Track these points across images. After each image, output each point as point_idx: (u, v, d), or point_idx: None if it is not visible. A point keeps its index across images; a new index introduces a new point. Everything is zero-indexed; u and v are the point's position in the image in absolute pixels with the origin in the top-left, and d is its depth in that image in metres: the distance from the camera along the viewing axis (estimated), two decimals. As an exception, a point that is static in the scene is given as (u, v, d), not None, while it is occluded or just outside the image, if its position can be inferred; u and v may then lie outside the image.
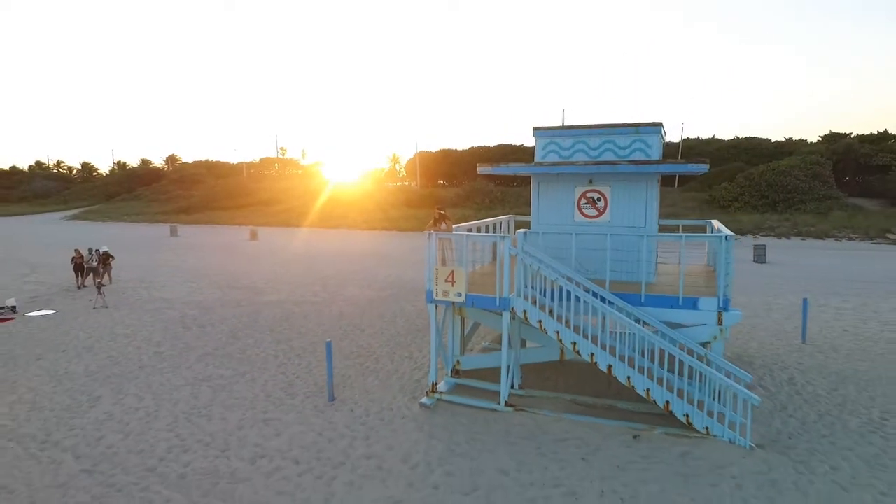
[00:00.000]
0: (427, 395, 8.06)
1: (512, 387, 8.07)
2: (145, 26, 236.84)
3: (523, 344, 8.60)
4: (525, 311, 7.33)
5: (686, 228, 11.08)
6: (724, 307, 7.19)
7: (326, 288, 17.18)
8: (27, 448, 6.75)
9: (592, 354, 7.03)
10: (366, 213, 46.01)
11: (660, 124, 8.58)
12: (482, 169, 9.52)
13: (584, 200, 8.71)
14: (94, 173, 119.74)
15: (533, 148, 9.45)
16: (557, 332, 7.17)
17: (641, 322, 7.30)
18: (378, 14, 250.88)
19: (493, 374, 8.18)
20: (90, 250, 17.78)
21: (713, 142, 68.32)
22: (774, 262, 22.28)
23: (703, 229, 11.27)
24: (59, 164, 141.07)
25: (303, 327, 12.41)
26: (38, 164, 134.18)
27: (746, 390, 6.49)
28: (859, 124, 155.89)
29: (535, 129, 9.30)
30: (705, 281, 8.91)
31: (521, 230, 7.80)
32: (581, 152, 8.79)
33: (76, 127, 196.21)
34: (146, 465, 6.31)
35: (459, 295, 7.60)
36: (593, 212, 8.68)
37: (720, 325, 7.18)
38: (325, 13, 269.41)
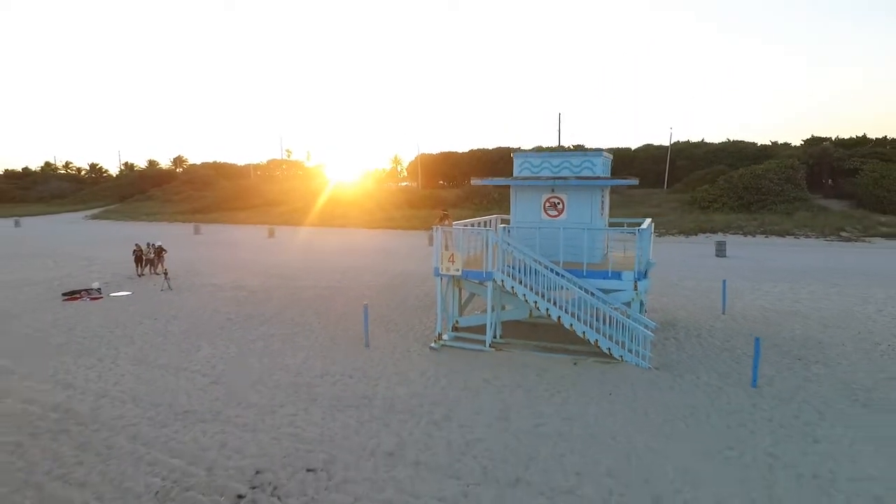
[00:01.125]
0: (434, 342, 11.34)
1: (494, 337, 11.36)
2: (152, 29, 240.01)
3: (503, 308, 11.89)
4: (502, 281, 10.62)
5: (630, 225, 14.28)
6: (638, 278, 10.47)
7: (346, 277, 20.44)
8: (168, 372, 10.03)
9: (548, 309, 10.31)
10: (369, 212, 49.23)
11: (601, 150, 11.85)
12: (475, 181, 12.84)
13: (548, 204, 11.98)
14: (104, 174, 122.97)
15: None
16: (524, 295, 10.45)
17: (584, 289, 10.57)
18: (381, 20, 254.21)
19: (482, 330, 11.44)
20: (147, 244, 21.05)
21: (702, 145, 71.59)
22: (733, 256, 25.55)
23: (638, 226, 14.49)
24: (67, 164, 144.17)
25: (334, 303, 15.67)
26: (48, 164, 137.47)
27: (646, 330, 9.78)
28: (853, 127, 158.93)
29: (514, 151, 12.59)
30: (632, 262, 12.16)
31: (503, 225, 11.08)
32: (546, 169, 12.05)
33: (81, 128, 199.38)
34: (250, 379, 9.58)
35: (458, 270, 10.89)
36: (554, 213, 11.94)
37: (636, 290, 10.46)
38: (330, 18, 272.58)
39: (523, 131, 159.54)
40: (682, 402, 8.32)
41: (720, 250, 25.99)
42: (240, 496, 6.01)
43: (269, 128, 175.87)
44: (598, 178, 11.55)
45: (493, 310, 11.07)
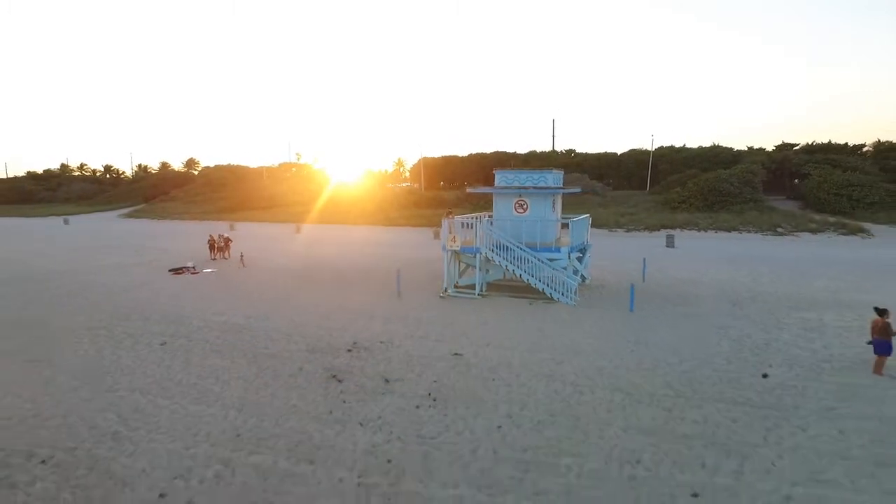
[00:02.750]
0: (442, 293, 17.49)
1: (481, 290, 17.51)
2: (165, 34, 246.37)
3: (487, 272, 18.05)
4: (486, 253, 16.77)
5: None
6: (570, 251, 16.62)
7: (371, 260, 26.55)
8: (282, 309, 16.15)
9: (514, 271, 16.46)
10: (378, 211, 55.32)
11: (552, 169, 17.98)
12: (469, 189, 18.99)
13: (516, 204, 18.09)
14: (121, 175, 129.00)
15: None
16: (500, 262, 16.59)
17: (537, 258, 16.68)
18: (386, 31, 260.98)
19: (473, 288, 17.56)
20: (218, 235, 27.16)
21: (682, 150, 77.88)
22: (679, 247, 31.66)
23: (586, 223, 20.59)
24: (82, 166, 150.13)
25: (369, 276, 21.79)
26: (64, 166, 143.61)
27: (572, 282, 15.93)
28: (834, 132, 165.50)
29: (496, 171, 18.69)
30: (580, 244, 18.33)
31: (487, 218, 17.21)
32: (516, 181, 18.16)
33: (92, 130, 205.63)
34: (334, 307, 15.69)
35: (458, 246, 17.04)
36: (521, 210, 18.05)
37: (569, 258, 16.61)
38: (339, 27, 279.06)
39: (521, 135, 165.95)
40: (585, 317, 14.48)
41: (669, 242, 32.14)
42: (348, 350, 12.11)
43: (276, 132, 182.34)
44: (549, 187, 17.69)
45: (480, 272, 17.23)
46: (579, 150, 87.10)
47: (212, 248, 26.54)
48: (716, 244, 32.96)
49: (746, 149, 79.13)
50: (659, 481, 6.67)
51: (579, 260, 17.99)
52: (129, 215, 67.75)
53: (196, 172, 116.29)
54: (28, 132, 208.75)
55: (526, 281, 16.45)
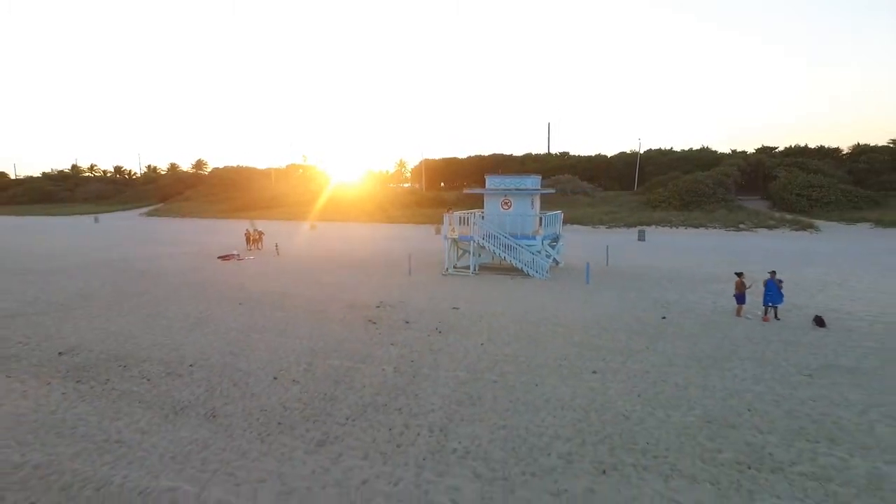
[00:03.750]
0: (443, 273, 22.22)
1: (475, 270, 22.23)
2: (170, 37, 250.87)
3: (479, 255, 22.78)
4: (478, 241, 21.49)
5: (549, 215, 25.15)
6: (543, 239, 21.37)
7: (382, 250, 31.22)
8: (316, 286, 20.86)
9: (500, 254, 21.18)
10: (382, 209, 59.98)
11: (531, 174, 22.68)
12: (466, 191, 23.72)
13: (503, 202, 22.78)
14: (131, 176, 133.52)
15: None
16: (489, 248, 21.31)
17: (518, 245, 21.38)
18: (389, 38, 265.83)
19: (468, 268, 22.26)
20: (253, 229, 31.82)
21: (668, 153, 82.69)
22: (650, 241, 36.35)
23: (557, 217, 25.33)
24: (92, 167, 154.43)
25: (383, 261, 26.46)
26: (75, 167, 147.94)
27: (544, 262, 20.66)
28: (817, 134, 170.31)
29: (486, 175, 23.39)
30: (553, 234, 23.08)
31: (480, 214, 21.94)
32: (502, 184, 22.87)
33: (98, 131, 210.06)
34: (358, 283, 20.38)
35: (456, 235, 21.77)
36: (506, 207, 22.74)
37: (542, 245, 21.35)
38: (345, 32, 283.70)
39: (518, 138, 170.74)
40: (552, 287, 19.18)
41: (641, 237, 36.85)
42: (377, 306, 16.81)
43: (282, 134, 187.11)
44: (528, 189, 22.41)
45: (473, 255, 21.95)
46: (573, 152, 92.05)
47: (248, 240, 31.20)
48: (682, 239, 37.68)
49: (730, 151, 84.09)
50: (575, 367, 11.34)
51: (552, 247, 22.71)
52: (150, 214, 72.31)
53: (205, 173, 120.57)
54: (37, 133, 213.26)
55: (509, 262, 21.17)
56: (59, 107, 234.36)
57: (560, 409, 9.06)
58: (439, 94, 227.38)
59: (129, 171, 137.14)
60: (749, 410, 8.95)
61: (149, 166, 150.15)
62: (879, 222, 39.14)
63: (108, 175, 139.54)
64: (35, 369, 11.55)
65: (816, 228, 39.31)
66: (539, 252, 21.31)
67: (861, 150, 68.73)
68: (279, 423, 8.75)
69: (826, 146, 75.32)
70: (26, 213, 79.00)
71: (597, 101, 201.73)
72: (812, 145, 76.02)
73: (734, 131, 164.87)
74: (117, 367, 11.63)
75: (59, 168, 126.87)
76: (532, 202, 22.94)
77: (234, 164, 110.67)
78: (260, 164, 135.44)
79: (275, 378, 11.12)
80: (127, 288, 20.16)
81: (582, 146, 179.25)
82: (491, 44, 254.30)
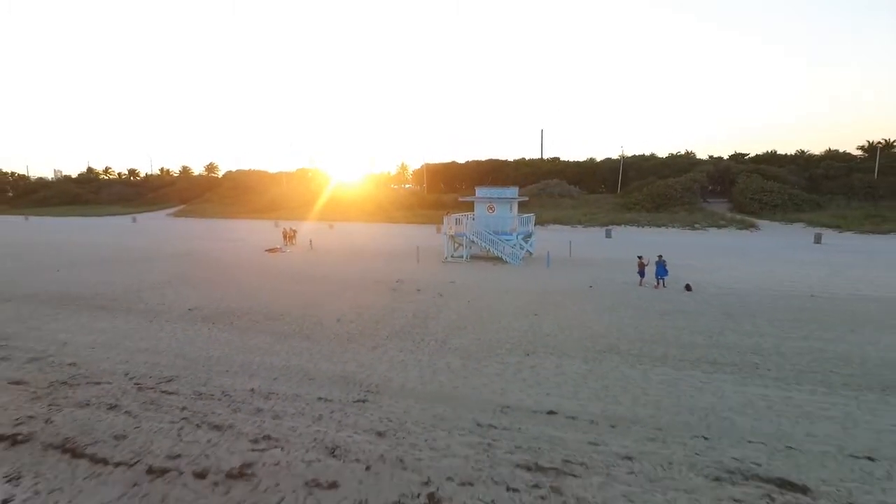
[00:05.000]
0: (443, 261, 29.44)
1: (467, 258, 29.45)
2: (180, 42, 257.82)
3: (470, 248, 30.00)
4: (469, 237, 28.72)
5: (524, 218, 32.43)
6: (518, 235, 28.63)
7: (393, 245, 38.38)
8: (349, 269, 28.08)
9: (486, 246, 28.41)
10: (389, 212, 67.13)
11: (510, 187, 29.89)
12: (461, 199, 30.98)
13: (488, 207, 29.98)
14: (144, 177, 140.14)
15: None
16: (479, 242, 28.52)
17: (499, 240, 28.56)
18: (394, 51, 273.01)
19: (462, 257, 29.44)
20: (289, 228, 38.96)
21: (650, 158, 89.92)
22: (615, 238, 43.52)
23: (530, 219, 32.56)
24: (107, 170, 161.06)
25: (396, 253, 33.61)
26: (90, 170, 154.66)
27: (518, 253, 27.89)
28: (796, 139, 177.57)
29: (476, 187, 30.61)
30: (517, 229, 30.36)
31: (471, 216, 29.18)
32: (488, 194, 30.09)
33: (110, 134, 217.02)
34: (376, 272, 27.56)
35: (453, 232, 29.01)
36: (491, 211, 29.94)
37: (516, 239, 28.59)
38: (353, 42, 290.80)
39: (514, 142, 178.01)
40: (522, 270, 26.37)
41: (608, 234, 44.01)
42: (397, 281, 23.97)
43: (290, 137, 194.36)
44: (507, 198, 29.59)
45: (466, 247, 29.18)
46: (565, 157, 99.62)
47: (285, 237, 38.36)
48: (643, 236, 44.87)
49: (708, 157, 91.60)
50: (524, 312, 18.45)
51: (525, 241, 29.86)
52: (177, 215, 79.40)
53: (217, 176, 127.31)
54: (47, 134, 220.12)
55: (493, 252, 28.34)
56: (70, 109, 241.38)
57: (510, 332, 16.22)
58: (440, 101, 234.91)
59: (143, 173, 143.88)
60: (618, 331, 16.07)
61: (162, 169, 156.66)
62: (811, 222, 46.34)
63: (122, 177, 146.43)
64: (179, 318, 18.61)
65: (757, 227, 46.50)
66: (514, 245, 28.49)
67: (822, 158, 76.28)
68: (349, 341, 15.85)
69: (796, 152, 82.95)
70: (65, 213, 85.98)
71: (590, 108, 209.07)
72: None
73: (734, 132, 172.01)
74: (232, 316, 18.64)
75: (70, 169, 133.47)
76: (511, 207, 30.12)
77: (245, 168, 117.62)
78: (265, 165, 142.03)
79: (338, 320, 18.20)
80: (210, 271, 27.33)
81: (576, 150, 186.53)
82: (490, 54, 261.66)
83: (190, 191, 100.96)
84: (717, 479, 7.25)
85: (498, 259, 28.70)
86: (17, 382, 11.54)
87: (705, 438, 8.51)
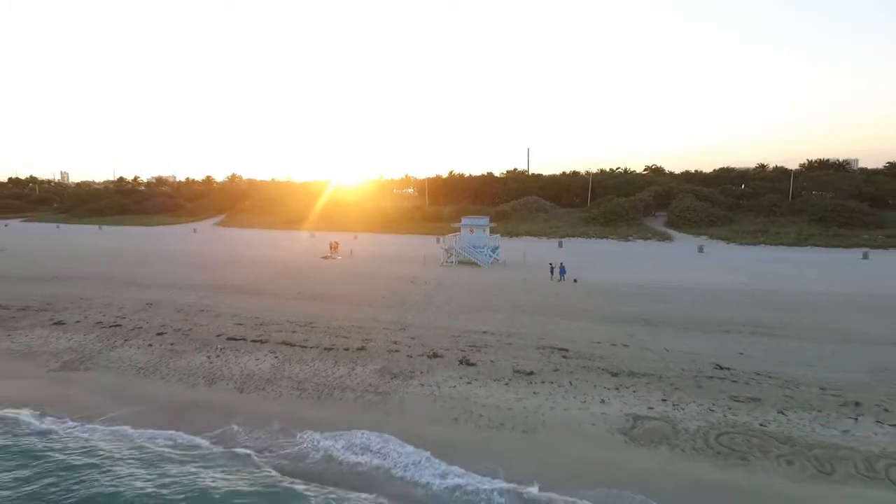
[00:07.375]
0: (441, 265, 46.22)
1: (455, 263, 46.27)
2: (197, 53, 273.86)
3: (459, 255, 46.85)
4: (457, 249, 45.53)
5: (493, 236, 49.35)
6: (488, 248, 45.49)
7: (405, 253, 55.02)
8: (382, 277, 44.91)
9: (468, 255, 45.22)
10: (398, 224, 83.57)
11: (483, 216, 46.71)
12: (454, 224, 47.91)
13: (468, 230, 46.74)
14: (176, 187, 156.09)
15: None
16: (463, 253, 45.33)
17: (476, 251, 45.29)
18: (403, 73, 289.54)
19: (452, 263, 46.17)
20: (333, 241, 55.57)
21: (615, 175, 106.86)
22: (565, 248, 60.00)
23: (497, 237, 49.40)
24: (136, 179, 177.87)
25: (407, 259, 50.23)
26: (121, 179, 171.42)
27: (489, 259, 44.78)
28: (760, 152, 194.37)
29: (462, 217, 47.43)
30: (487, 244, 47.29)
31: (457, 236, 46.02)
32: (470, 221, 46.88)
33: (133, 145, 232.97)
34: (400, 273, 44.30)
35: (447, 246, 45.86)
36: (471, 233, 46.68)
37: (487, 251, 45.45)
38: (365, 61, 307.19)
39: (507, 156, 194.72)
40: (490, 271, 43.02)
41: (560, 245, 60.57)
42: (413, 276, 40.66)
43: (305, 149, 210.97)
44: (482, 224, 46.39)
45: (455, 256, 45.97)
46: (549, 170, 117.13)
47: (331, 247, 54.98)
48: (586, 246, 61.43)
49: (669, 173, 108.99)
50: (484, 293, 35.11)
51: (494, 251, 46.52)
52: (221, 224, 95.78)
53: (241, 186, 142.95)
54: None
55: (473, 259, 45.08)
56: (103, 119, 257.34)
57: (474, 301, 32.85)
58: (441, 118, 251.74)
59: (177, 182, 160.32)
60: (528, 302, 32.70)
61: (187, 179, 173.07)
62: (712, 236, 62.88)
63: (151, 185, 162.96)
64: (293, 297, 35.06)
65: (672, 239, 63.07)
66: (485, 254, 45.18)
67: (752, 177, 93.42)
68: (389, 307, 32.34)
69: (719, 169, 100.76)
70: (122, 223, 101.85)
71: (573, 123, 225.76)
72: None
73: (700, 146, 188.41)
74: (329, 297, 35.24)
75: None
76: (484, 230, 46.79)
77: (262, 178, 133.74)
78: (271, 174, 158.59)
79: (382, 297, 34.89)
80: (290, 269, 43.90)
81: (562, 160, 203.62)
82: (487, 76, 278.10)
83: (224, 201, 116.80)
84: (541, 348, 24.04)
85: (475, 263, 45.28)
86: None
87: (541, 339, 25.22)
